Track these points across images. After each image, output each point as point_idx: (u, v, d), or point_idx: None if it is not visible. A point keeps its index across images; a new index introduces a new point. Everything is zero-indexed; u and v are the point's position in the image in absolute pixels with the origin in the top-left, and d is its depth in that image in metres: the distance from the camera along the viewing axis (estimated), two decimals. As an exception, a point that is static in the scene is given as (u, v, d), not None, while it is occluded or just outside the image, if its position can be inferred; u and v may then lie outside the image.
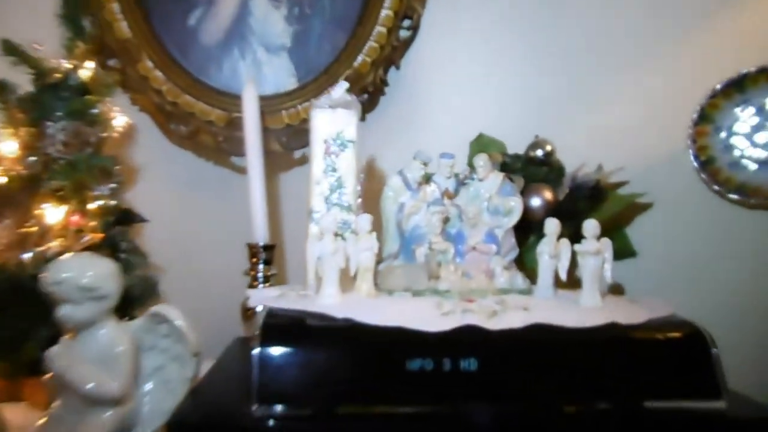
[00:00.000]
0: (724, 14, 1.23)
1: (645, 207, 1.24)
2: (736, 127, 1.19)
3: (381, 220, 0.95)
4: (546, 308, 0.78)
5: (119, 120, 1.07)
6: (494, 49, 1.29)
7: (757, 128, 1.18)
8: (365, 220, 0.86)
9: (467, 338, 0.68)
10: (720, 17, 1.23)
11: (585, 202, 1.12)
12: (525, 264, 1.06)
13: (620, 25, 1.26)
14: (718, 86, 1.19)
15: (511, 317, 0.72)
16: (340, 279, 0.82)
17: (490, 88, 1.30)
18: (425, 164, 0.94)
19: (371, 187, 0.98)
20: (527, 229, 1.08)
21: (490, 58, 1.29)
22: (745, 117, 1.18)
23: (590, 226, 0.84)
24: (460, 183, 0.97)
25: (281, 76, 1.30)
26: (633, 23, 1.26)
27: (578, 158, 1.15)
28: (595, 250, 0.83)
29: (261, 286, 1.10)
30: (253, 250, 1.12)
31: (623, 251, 1.20)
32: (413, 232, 0.93)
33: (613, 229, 1.17)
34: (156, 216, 1.26)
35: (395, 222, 0.92)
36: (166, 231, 1.27)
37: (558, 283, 0.88)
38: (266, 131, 1.26)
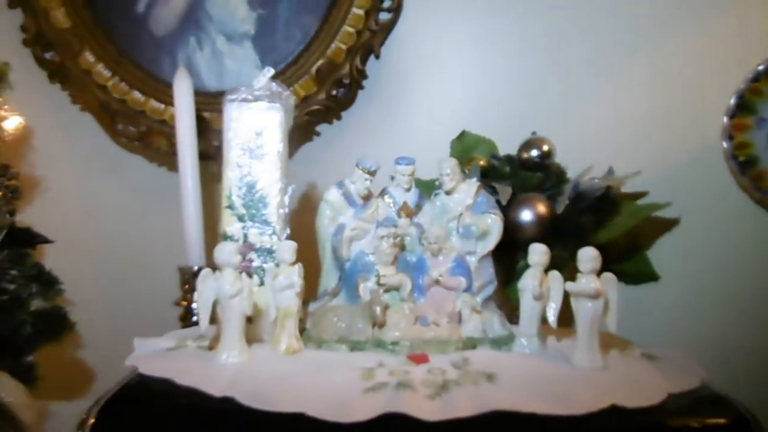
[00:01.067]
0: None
1: (668, 222, 1.03)
2: (787, 119, 0.97)
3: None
4: (521, 376, 0.56)
5: (11, 122, 0.88)
6: (487, 32, 1.10)
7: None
8: (285, 249, 0.65)
9: (392, 433, 0.46)
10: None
11: (590, 217, 0.90)
12: (510, 296, 0.84)
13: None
14: (761, 67, 0.97)
15: (463, 396, 0.50)
16: (245, 328, 0.62)
17: (482, 77, 1.10)
18: (371, 173, 0.72)
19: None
20: (515, 251, 0.86)
21: (482, 42, 1.10)
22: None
23: (586, 257, 0.62)
24: (423, 197, 0.76)
25: (245, 68, 1.14)
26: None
27: (583, 160, 0.95)
28: (593, 291, 0.60)
29: (194, 319, 0.92)
30: (185, 276, 0.93)
31: (643, 275, 0.98)
32: (357, 261, 0.72)
33: (629, 250, 0.95)
34: (87, 234, 1.11)
35: (331, 248, 0.71)
36: (91, 252, 1.10)
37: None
38: (226, 132, 1.11)
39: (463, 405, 0.48)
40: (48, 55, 1.13)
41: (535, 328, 0.66)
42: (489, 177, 0.92)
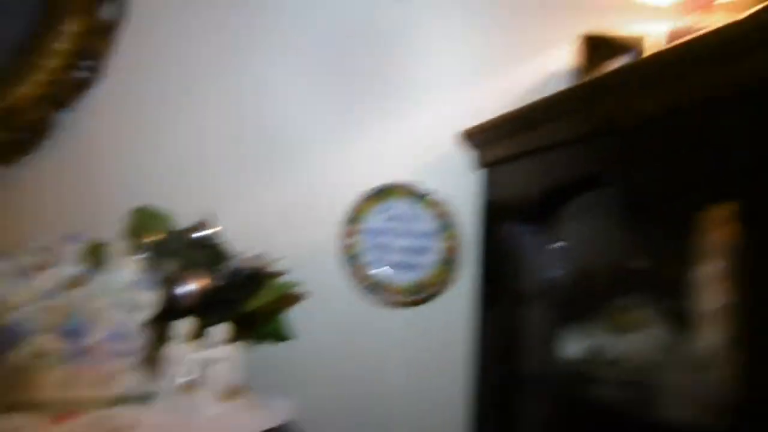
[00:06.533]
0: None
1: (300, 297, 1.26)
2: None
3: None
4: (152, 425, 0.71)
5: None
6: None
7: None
8: None
9: None
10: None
11: (240, 291, 1.11)
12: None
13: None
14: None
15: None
16: None
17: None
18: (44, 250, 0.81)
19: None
20: (178, 318, 1.02)
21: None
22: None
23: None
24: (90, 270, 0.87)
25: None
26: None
27: (247, 242, 1.14)
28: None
29: None
30: None
31: (277, 335, 1.22)
32: (15, 328, 0.78)
33: (269, 314, 1.19)
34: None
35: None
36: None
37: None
38: None
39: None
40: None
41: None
42: (159, 253, 1.06)
